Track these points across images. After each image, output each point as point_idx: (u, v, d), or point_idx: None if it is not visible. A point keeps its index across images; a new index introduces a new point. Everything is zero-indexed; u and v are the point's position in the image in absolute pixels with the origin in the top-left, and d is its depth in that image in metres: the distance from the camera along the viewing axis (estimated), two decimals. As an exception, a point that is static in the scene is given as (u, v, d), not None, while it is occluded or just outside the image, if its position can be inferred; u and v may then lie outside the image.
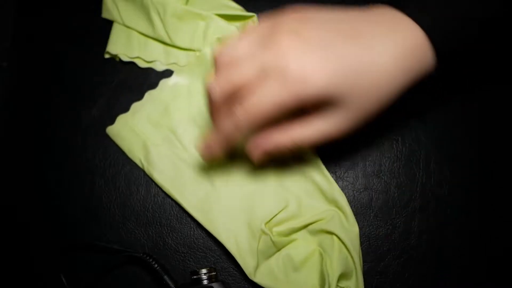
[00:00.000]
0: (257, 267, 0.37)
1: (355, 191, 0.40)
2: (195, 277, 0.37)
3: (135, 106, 0.42)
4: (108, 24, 0.44)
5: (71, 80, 0.44)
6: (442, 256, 0.39)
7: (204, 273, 0.37)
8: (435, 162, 0.40)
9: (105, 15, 0.44)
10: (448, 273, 0.38)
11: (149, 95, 0.42)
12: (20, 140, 0.42)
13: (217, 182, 0.40)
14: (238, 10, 0.43)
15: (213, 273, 0.37)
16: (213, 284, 0.36)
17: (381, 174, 0.41)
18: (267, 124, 0.33)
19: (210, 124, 0.40)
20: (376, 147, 0.41)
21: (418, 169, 0.40)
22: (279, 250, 0.38)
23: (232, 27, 0.43)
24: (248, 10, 0.44)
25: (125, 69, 0.43)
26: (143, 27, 0.43)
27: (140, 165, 0.41)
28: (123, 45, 0.43)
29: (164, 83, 0.43)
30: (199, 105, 0.42)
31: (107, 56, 0.44)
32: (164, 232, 0.40)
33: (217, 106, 0.33)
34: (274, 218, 0.39)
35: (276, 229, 0.38)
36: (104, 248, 0.39)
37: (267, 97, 0.30)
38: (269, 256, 0.38)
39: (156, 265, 0.37)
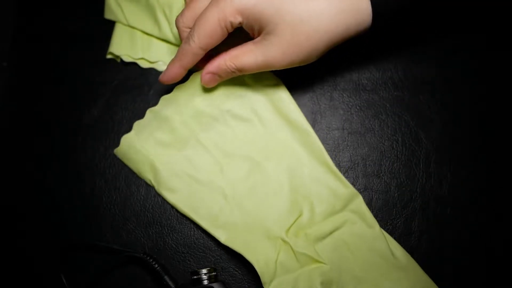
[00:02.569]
0: (273, 277, 0.36)
1: (355, 191, 0.40)
2: (195, 277, 0.37)
3: (137, 124, 0.41)
4: (108, 24, 0.44)
5: (71, 80, 0.44)
6: (442, 256, 0.39)
7: (205, 273, 0.37)
8: (435, 162, 0.40)
9: (108, 16, 0.44)
10: (448, 273, 0.38)
11: (151, 112, 0.40)
12: (20, 140, 0.42)
13: (228, 194, 0.39)
14: None
15: (213, 273, 0.37)
16: (213, 284, 0.36)
17: (381, 174, 0.41)
18: (219, 49, 0.38)
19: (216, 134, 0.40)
20: (376, 147, 0.41)
21: (418, 169, 0.40)
22: (302, 266, 0.37)
23: None
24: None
25: (125, 70, 0.43)
26: (149, 27, 0.43)
27: (151, 185, 0.41)
28: (127, 46, 0.43)
29: (164, 99, 0.41)
30: (204, 121, 0.40)
31: (109, 56, 0.44)
32: (164, 232, 0.40)
33: (183, 34, 0.38)
34: (291, 228, 0.38)
35: (297, 241, 0.37)
36: (104, 248, 0.39)
37: (209, 12, 0.35)
38: (290, 270, 0.37)
39: (156, 265, 0.38)
